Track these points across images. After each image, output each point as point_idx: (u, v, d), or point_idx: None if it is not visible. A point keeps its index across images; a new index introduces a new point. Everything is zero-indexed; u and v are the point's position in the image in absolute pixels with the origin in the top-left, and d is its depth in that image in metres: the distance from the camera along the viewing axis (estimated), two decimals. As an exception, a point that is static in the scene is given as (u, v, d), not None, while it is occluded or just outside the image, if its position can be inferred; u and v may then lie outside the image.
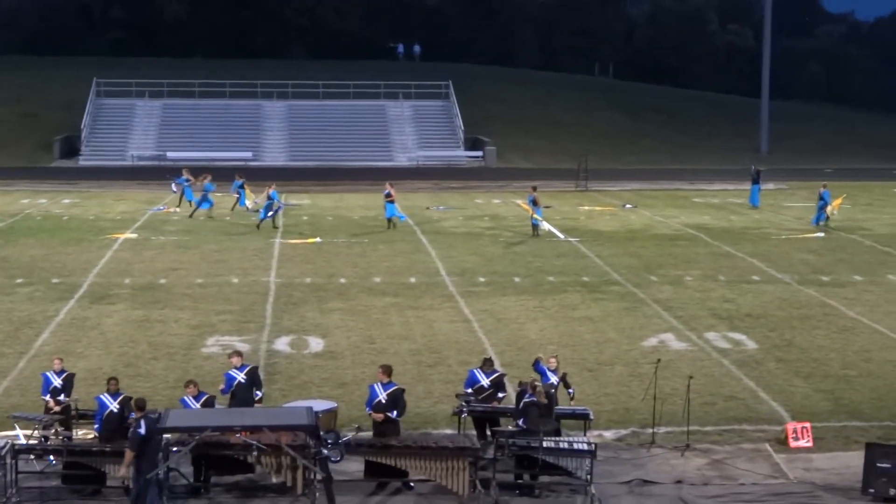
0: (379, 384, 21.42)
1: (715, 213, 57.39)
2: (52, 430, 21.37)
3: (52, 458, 20.33)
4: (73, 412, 21.88)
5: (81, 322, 32.38)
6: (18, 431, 21.42)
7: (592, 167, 70.09)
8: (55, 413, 21.80)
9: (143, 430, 19.16)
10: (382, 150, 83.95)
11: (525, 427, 20.86)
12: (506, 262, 42.48)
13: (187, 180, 57.74)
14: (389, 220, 50.31)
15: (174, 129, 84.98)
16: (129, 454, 19.21)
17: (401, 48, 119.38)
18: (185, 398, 21.36)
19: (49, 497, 19.83)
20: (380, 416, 21.11)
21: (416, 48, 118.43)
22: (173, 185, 58.97)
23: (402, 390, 21.56)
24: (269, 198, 51.12)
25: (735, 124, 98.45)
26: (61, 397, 22.09)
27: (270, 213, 50.72)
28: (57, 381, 22.34)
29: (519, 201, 55.76)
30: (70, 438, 21.13)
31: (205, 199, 54.25)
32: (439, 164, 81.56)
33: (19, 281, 37.76)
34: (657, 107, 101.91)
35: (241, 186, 56.18)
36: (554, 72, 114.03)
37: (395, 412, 21.19)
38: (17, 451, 19.91)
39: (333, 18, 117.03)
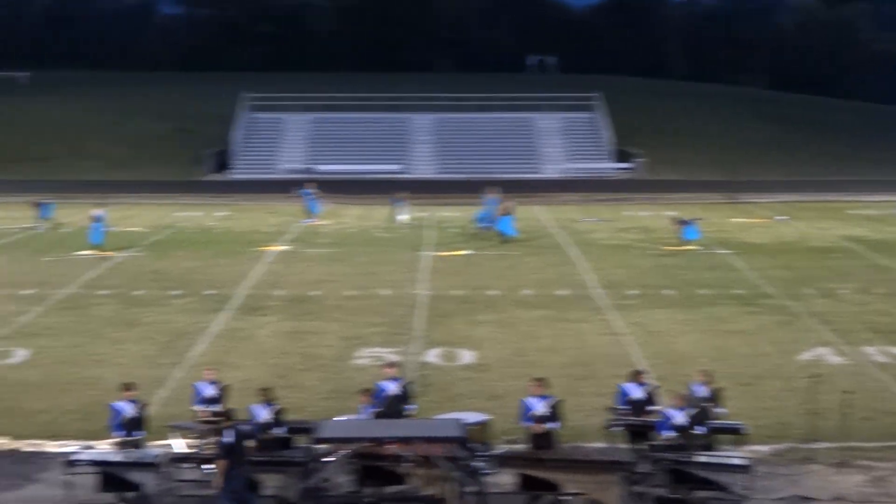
0: (534, 397, 21.23)
1: (871, 225, 56.17)
2: (208, 440, 21.61)
3: (207, 466, 20.56)
4: (228, 421, 22.08)
5: (234, 333, 32.81)
6: (175, 440, 21.71)
7: (743, 179, 69.11)
8: (209, 422, 22.05)
9: (230, 440, 19.34)
10: (530, 162, 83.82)
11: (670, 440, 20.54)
12: (656, 274, 42.06)
13: (311, 193, 58.46)
14: (504, 234, 49.89)
15: (323, 143, 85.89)
16: (220, 463, 19.37)
17: (535, 60, 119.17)
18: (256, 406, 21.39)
19: (205, 505, 20.07)
20: (540, 429, 20.89)
21: (552, 60, 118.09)
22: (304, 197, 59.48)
23: (561, 401, 21.38)
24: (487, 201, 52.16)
25: (890, 134, 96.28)
26: (214, 407, 22.35)
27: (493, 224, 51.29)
28: (210, 392, 22.63)
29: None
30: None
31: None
32: (587, 176, 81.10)
33: (174, 293, 38.42)
34: (808, 117, 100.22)
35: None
36: (703, 83, 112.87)
37: (554, 424, 20.99)
38: (174, 460, 20.21)
39: (480, 31, 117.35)
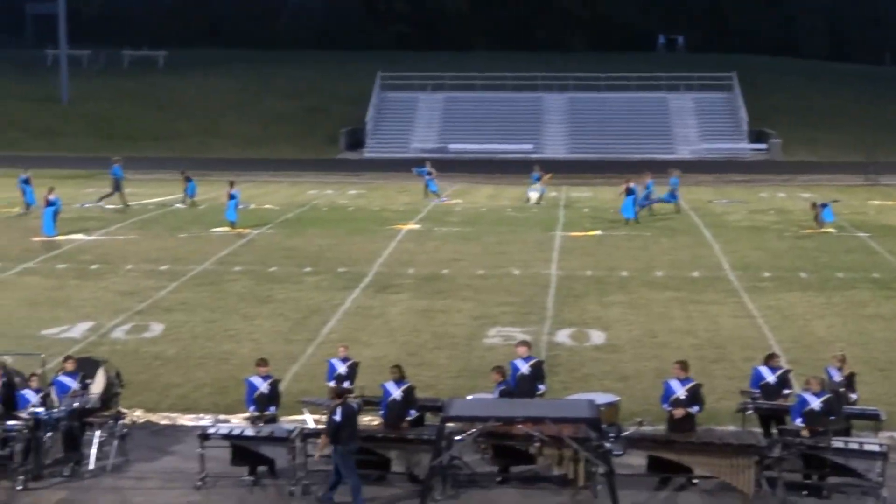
0: (676, 380, 20.97)
1: None
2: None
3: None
4: (358, 399, 22.21)
5: (366, 311, 33.00)
6: (307, 416, 21.90)
7: (883, 160, 67.72)
8: (338, 398, 22.17)
9: (338, 417, 19.38)
10: (664, 142, 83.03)
11: (803, 425, 20.17)
12: (792, 256, 41.41)
13: (429, 172, 58.49)
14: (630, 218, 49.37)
15: (456, 122, 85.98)
16: (324, 439, 19.50)
17: (662, 39, 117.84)
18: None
19: (338, 482, 20.16)
20: (680, 412, 20.62)
21: (680, 39, 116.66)
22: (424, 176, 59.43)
23: (700, 385, 21.10)
24: (647, 187, 51.71)
25: None
26: (346, 384, 22.50)
27: (653, 201, 51.03)
28: (342, 368, 22.78)
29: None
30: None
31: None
32: (722, 156, 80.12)
33: (307, 270, 38.76)
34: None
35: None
36: (841, 62, 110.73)
37: (695, 408, 20.73)
38: (306, 435, 20.40)
39: (613, 10, 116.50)
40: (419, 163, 61.55)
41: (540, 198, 56.29)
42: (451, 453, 19.61)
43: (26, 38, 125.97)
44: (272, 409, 21.34)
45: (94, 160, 74.24)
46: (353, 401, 20.22)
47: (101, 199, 54.45)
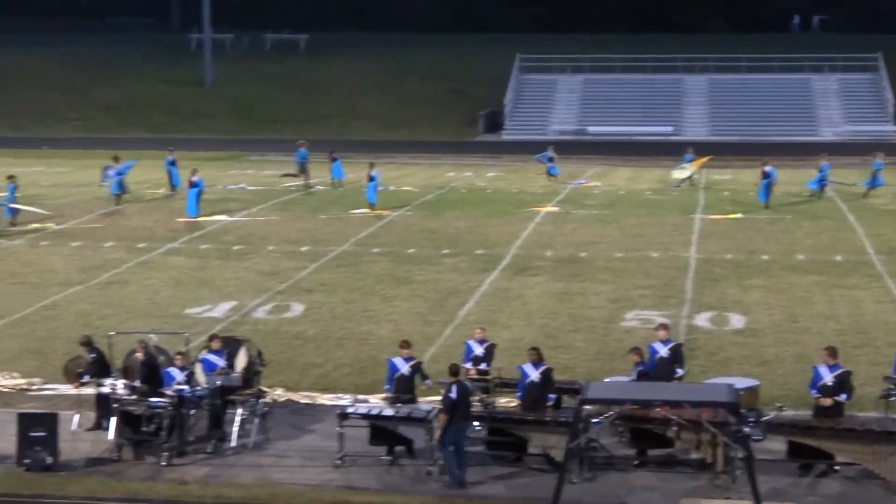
0: (824, 366, 20.64)
1: None
2: (476, 397, 21.84)
3: (476, 424, 20.81)
4: (495, 380, 22.28)
5: (504, 293, 33.06)
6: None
7: None
8: (477, 380, 22.28)
9: (454, 395, 19.52)
10: (807, 124, 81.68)
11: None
12: (938, 241, 40.52)
13: (551, 158, 58.15)
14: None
15: (595, 105, 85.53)
16: (442, 418, 19.61)
17: (797, 20, 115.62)
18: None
19: (474, 462, 20.29)
20: (828, 402, 20.29)
21: (816, 19, 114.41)
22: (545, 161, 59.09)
23: (849, 372, 20.76)
24: (821, 170, 51.22)
25: None
26: (482, 365, 22.59)
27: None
28: (479, 350, 22.87)
29: None
30: (493, 405, 21.54)
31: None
32: (867, 139, 78.50)
33: (445, 251, 38.93)
34: None
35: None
36: None
37: (843, 395, 20.39)
38: (443, 416, 20.52)
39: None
40: (548, 148, 60.91)
41: (686, 179, 55.68)
42: (589, 436, 19.59)
43: (171, 23, 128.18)
44: (429, 382, 21.62)
45: (236, 142, 75.46)
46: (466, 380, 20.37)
47: (285, 175, 55.40)
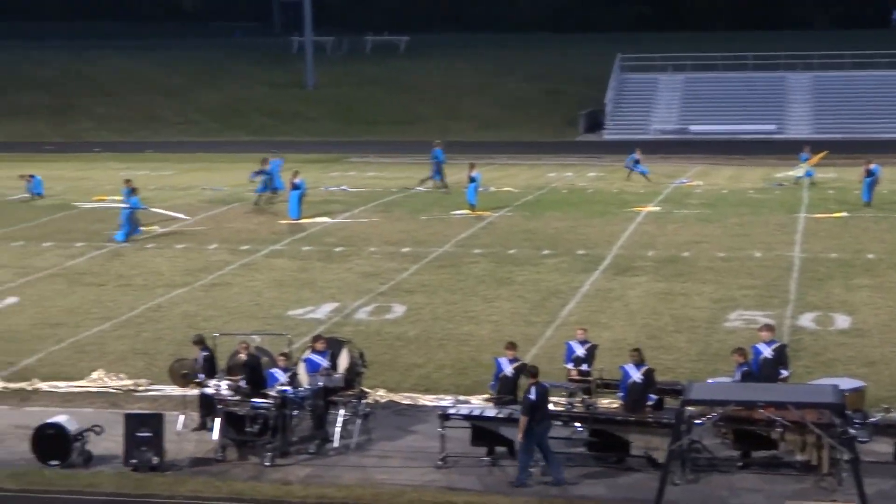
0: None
1: None
2: (577, 398, 21.81)
3: (578, 425, 20.76)
4: (597, 381, 22.20)
5: (605, 293, 32.93)
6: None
7: None
8: (578, 381, 22.23)
9: (533, 397, 19.48)
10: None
11: None
12: None
13: (637, 160, 57.63)
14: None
15: (696, 103, 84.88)
16: (522, 419, 19.54)
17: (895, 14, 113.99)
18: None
19: (575, 463, 20.25)
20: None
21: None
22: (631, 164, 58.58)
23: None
24: None
25: None
26: (584, 366, 22.53)
27: None
28: (580, 351, 22.81)
29: None
30: (594, 406, 21.47)
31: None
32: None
33: (546, 252, 38.86)
34: None
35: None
36: None
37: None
38: (544, 417, 20.49)
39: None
40: (634, 150, 60.06)
41: (801, 179, 55.03)
42: (691, 437, 19.45)
43: (273, 27, 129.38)
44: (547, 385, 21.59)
45: (337, 144, 75.90)
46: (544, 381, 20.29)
47: (423, 182, 55.24)
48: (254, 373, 21.93)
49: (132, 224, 41.97)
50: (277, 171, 50.95)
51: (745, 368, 21.15)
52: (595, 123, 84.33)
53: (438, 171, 54.70)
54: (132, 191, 42.78)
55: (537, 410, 19.56)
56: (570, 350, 22.94)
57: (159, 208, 45.89)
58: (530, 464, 19.64)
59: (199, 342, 23.04)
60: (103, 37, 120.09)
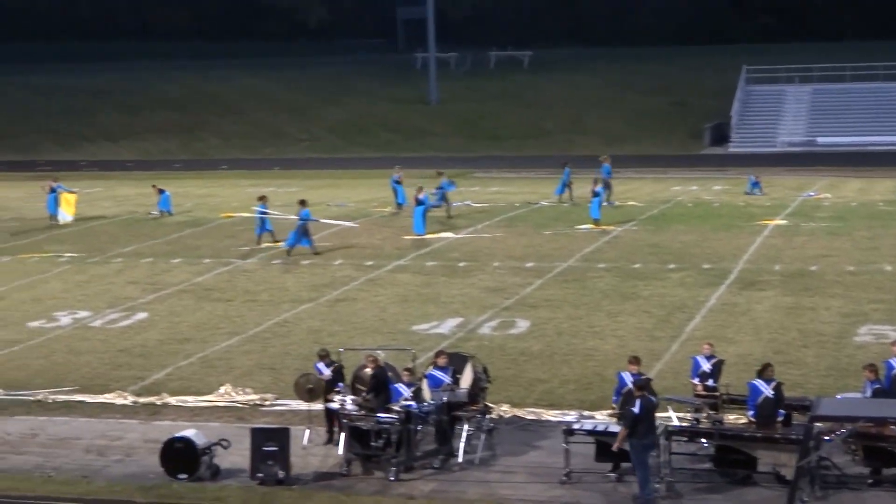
0: None
1: None
2: (703, 414, 21.59)
3: (704, 440, 20.54)
4: (723, 397, 21.95)
5: (731, 308, 32.57)
6: (671, 413, 21.82)
7: None
8: (704, 396, 22.00)
9: (636, 410, 19.34)
10: None
11: None
12: None
13: (757, 182, 56.76)
14: None
15: (824, 115, 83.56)
16: (622, 431, 19.47)
17: None
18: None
19: (701, 479, 20.06)
20: None
21: None
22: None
23: None
24: None
25: None
26: (710, 382, 22.30)
27: None
28: (706, 366, 22.60)
29: None
30: (721, 422, 21.24)
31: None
32: None
33: (671, 266, 38.56)
34: None
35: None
36: None
37: None
38: (670, 433, 20.32)
39: None
40: (753, 175, 58.97)
41: None
42: (820, 454, 19.13)
43: (397, 43, 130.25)
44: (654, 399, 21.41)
45: (460, 159, 76.04)
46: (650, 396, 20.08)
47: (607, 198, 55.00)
48: (380, 385, 22.03)
49: (301, 235, 42.29)
50: (448, 188, 50.93)
51: (876, 385, 20.78)
52: (721, 136, 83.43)
53: (607, 185, 53.87)
54: (302, 202, 43.18)
55: (640, 424, 19.40)
56: (697, 365, 22.73)
57: (327, 219, 46.08)
58: (650, 478, 19.45)
59: (324, 356, 23.23)
60: (230, 56, 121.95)
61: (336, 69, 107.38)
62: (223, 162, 79.90)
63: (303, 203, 43.17)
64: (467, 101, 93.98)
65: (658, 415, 21.98)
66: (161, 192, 53.73)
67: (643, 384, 20.14)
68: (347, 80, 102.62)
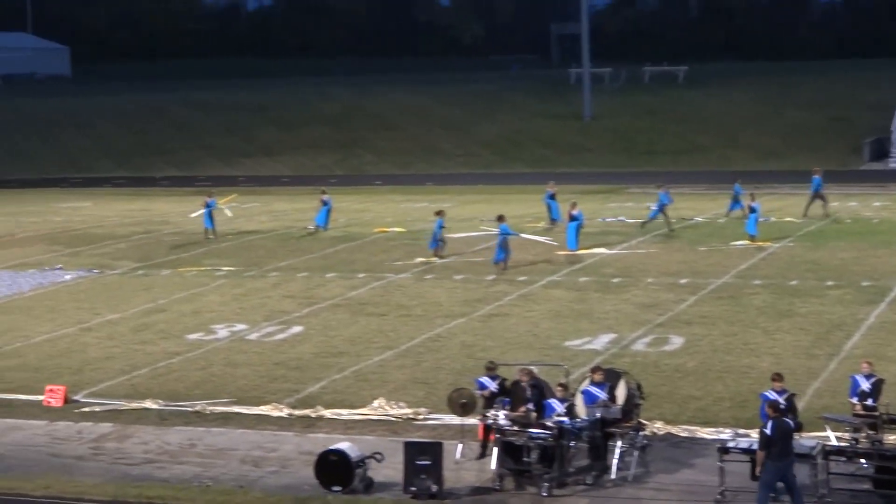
0: None
1: None
2: (862, 434, 21.16)
3: (863, 461, 20.12)
4: (883, 416, 21.49)
5: (892, 326, 31.90)
6: (829, 433, 21.41)
7: None
8: (863, 416, 21.57)
9: (769, 431, 19.02)
10: None
11: None
12: None
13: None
14: None
15: None
16: (759, 454, 19.16)
17: None
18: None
19: (859, 500, 19.66)
20: None
21: None
22: None
23: None
24: None
25: None
26: (869, 401, 21.85)
27: None
28: (865, 385, 22.14)
29: None
30: (880, 442, 20.78)
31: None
32: None
33: (829, 283, 37.87)
34: None
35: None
36: None
37: None
38: (827, 453, 19.96)
39: None
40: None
41: None
42: None
43: (551, 58, 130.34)
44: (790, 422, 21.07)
45: (615, 175, 75.70)
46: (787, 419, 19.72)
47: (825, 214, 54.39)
48: (537, 401, 22.00)
49: (505, 251, 42.50)
50: (666, 201, 50.74)
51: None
52: (881, 151, 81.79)
53: (820, 197, 52.88)
54: (500, 217, 43.41)
55: (775, 446, 19.10)
56: (855, 384, 22.28)
57: (529, 234, 46.05)
58: (767, 500, 19.15)
59: (491, 368, 23.17)
60: (385, 72, 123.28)
61: (490, 85, 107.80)
62: (377, 177, 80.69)
63: (501, 218, 43.29)
64: (621, 117, 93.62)
65: (816, 434, 21.64)
66: (324, 202, 54.09)
67: (777, 406, 19.84)
68: (502, 95, 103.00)
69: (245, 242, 50.90)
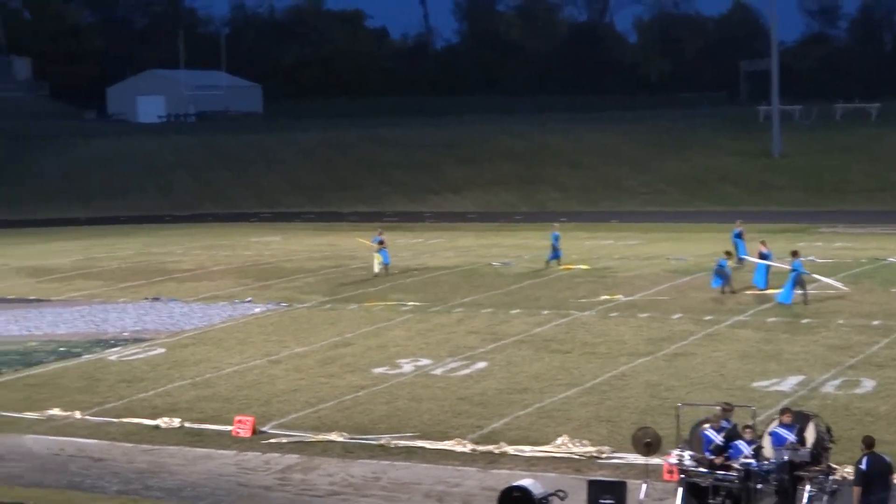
0: None
1: None
2: None
3: None
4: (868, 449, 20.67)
5: None
6: None
7: None
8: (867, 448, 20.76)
9: (863, 467, 18.86)
10: None
11: None
12: None
13: None
14: None
15: None
16: (855, 491, 18.99)
17: None
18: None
19: None
20: None
21: None
22: None
23: None
24: None
25: None
26: None
27: None
28: None
29: None
30: None
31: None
32: None
33: None
34: None
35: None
36: None
37: None
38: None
39: None
40: None
41: None
42: None
43: (740, 95, 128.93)
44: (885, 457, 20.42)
45: (805, 214, 74.37)
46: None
47: None
48: (729, 438, 21.55)
49: (797, 286, 42.08)
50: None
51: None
52: None
53: None
54: (794, 253, 42.97)
55: (871, 481, 18.90)
56: None
57: (821, 276, 45.03)
58: None
59: (729, 410, 22.42)
60: (571, 110, 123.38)
61: (676, 122, 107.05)
62: (561, 214, 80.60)
63: (795, 254, 42.82)
64: (811, 154, 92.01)
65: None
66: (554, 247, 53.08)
67: (872, 442, 19.59)
68: (688, 132, 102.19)
69: (430, 278, 51.28)
